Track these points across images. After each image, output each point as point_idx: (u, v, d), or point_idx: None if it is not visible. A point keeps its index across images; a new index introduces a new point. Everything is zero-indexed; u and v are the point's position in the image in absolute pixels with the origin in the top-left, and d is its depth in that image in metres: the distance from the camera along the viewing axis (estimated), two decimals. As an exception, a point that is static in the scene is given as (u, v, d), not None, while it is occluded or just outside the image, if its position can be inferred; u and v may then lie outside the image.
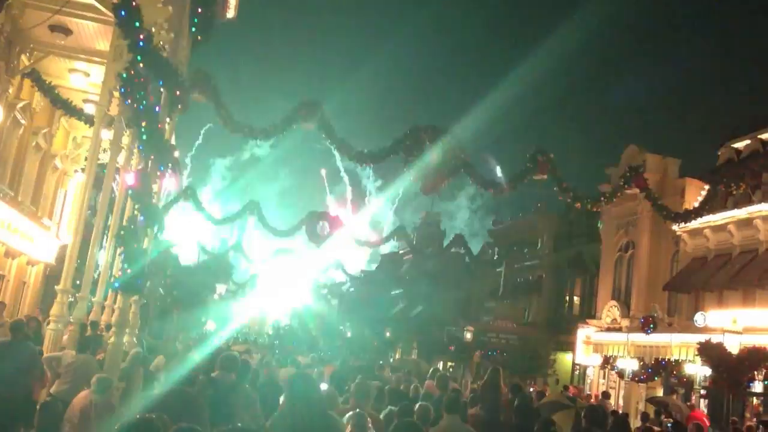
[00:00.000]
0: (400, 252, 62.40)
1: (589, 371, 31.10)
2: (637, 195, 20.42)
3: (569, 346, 31.81)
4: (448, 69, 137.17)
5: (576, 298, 35.32)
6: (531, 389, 20.54)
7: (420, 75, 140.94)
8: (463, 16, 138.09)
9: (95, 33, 14.34)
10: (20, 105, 16.19)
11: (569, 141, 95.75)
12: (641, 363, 24.65)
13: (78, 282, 14.44)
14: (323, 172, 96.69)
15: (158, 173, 9.97)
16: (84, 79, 16.71)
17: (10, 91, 15.48)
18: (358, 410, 5.61)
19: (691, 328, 22.10)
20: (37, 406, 8.73)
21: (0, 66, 14.42)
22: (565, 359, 32.85)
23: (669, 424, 15.11)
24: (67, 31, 14.12)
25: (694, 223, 23.55)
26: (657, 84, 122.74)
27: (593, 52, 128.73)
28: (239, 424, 6.17)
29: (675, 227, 25.39)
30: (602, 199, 17.63)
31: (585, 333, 29.83)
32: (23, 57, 15.64)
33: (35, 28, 12.64)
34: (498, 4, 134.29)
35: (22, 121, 16.91)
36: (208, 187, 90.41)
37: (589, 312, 32.39)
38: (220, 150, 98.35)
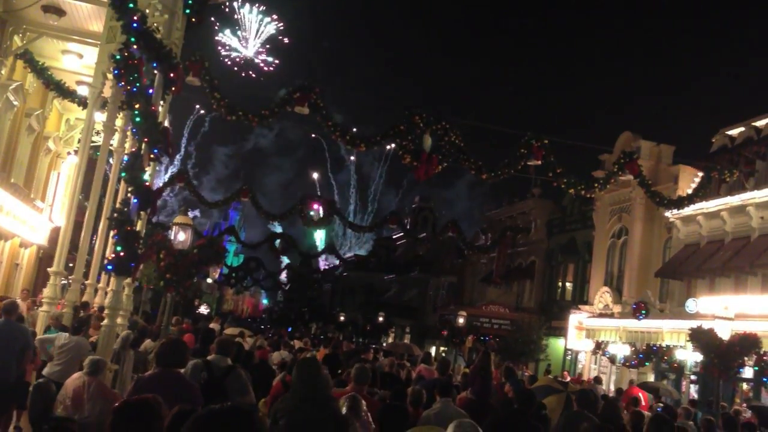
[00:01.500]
0: (394, 237, 62.51)
1: (580, 356, 31.31)
2: (630, 182, 20.48)
3: (561, 332, 31.99)
4: (445, 52, 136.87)
5: (569, 284, 35.47)
6: (524, 373, 20.68)
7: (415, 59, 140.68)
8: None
9: (89, 14, 14.24)
10: (13, 86, 16.07)
11: (565, 127, 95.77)
12: (633, 348, 24.82)
13: (71, 264, 14.44)
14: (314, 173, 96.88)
15: (151, 155, 9.93)
16: (77, 61, 16.59)
17: (3, 72, 15.37)
18: (352, 393, 5.65)
19: (682, 314, 22.22)
20: (30, 388, 8.74)
21: (-8, 46, 14.30)
22: (557, 344, 33.05)
23: (659, 408, 15.24)
24: (60, 12, 14.03)
25: (687, 210, 23.67)
26: (651, 70, 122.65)
27: (586, 38, 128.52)
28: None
29: (668, 214, 25.49)
30: (596, 185, 17.70)
31: (577, 318, 29.99)
32: (16, 38, 15.51)
33: (28, 8, 12.53)
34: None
35: (15, 103, 16.79)
36: (211, 175, 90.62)
37: (581, 298, 32.56)
38: (225, 138, 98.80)
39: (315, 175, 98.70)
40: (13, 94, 16.37)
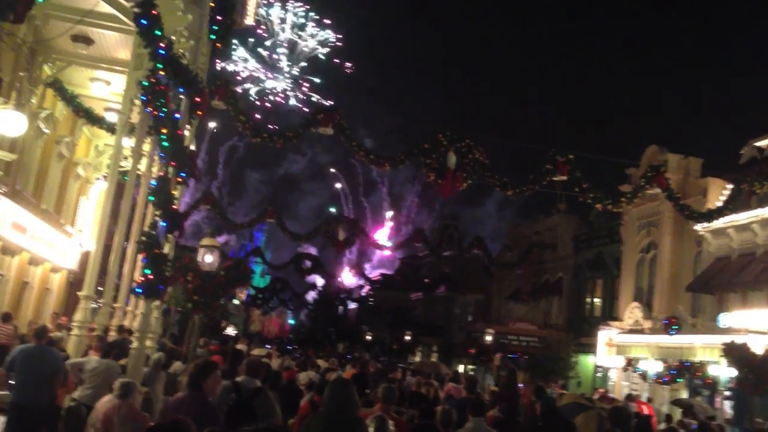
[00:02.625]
0: (420, 255, 62.34)
1: (611, 373, 30.84)
2: (658, 195, 20.27)
3: (591, 348, 31.56)
4: (467, 70, 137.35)
5: (597, 300, 35.04)
6: (553, 391, 20.43)
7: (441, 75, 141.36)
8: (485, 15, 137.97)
9: (116, 42, 14.52)
10: (43, 114, 16.41)
11: (589, 141, 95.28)
12: (665, 365, 24.41)
13: (100, 288, 14.61)
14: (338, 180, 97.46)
15: (179, 179, 10.06)
16: (105, 88, 16.92)
17: (34, 100, 15.70)
18: (380, 413, 5.63)
19: (715, 329, 21.84)
20: (62, 411, 8.83)
21: (23, 76, 14.63)
22: (587, 361, 32.61)
23: (693, 426, 14.96)
24: (88, 41, 14.32)
25: (717, 223, 23.30)
26: (678, 83, 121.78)
27: (612, 52, 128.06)
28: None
29: (698, 227, 25.13)
30: (623, 199, 17.55)
31: (607, 335, 29.58)
32: (46, 67, 15.87)
33: (58, 38, 12.81)
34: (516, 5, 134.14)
35: (46, 130, 17.13)
36: (243, 200, 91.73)
37: (610, 314, 32.14)
38: (259, 164, 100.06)
39: (338, 185, 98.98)
40: (44, 122, 16.71)
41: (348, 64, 70.11)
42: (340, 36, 69.68)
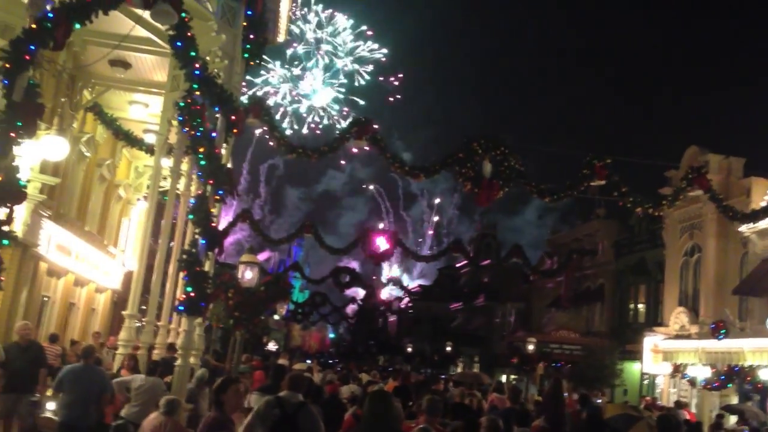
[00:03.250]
0: (457, 265, 62.07)
1: (658, 380, 30.20)
2: (700, 197, 19.84)
3: (636, 355, 30.98)
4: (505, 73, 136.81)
5: (641, 306, 34.41)
6: (599, 400, 20.09)
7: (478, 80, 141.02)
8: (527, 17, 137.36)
9: (153, 65, 14.83)
10: (84, 138, 16.79)
11: (628, 145, 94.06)
12: (713, 370, 23.84)
13: (144, 307, 14.83)
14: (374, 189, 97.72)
15: (217, 197, 10.18)
16: (143, 110, 17.27)
17: (75, 125, 16.07)
18: (424, 425, 5.59)
19: (764, 332, 21.28)
20: (110, 430, 8.95)
21: (64, 101, 15.00)
22: (632, 369, 32.00)
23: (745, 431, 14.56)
24: (126, 65, 14.65)
25: (763, 223, 22.69)
26: (713, 81, 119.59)
27: (650, 51, 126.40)
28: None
29: (742, 228, 24.54)
30: (664, 203, 17.23)
31: (652, 341, 29.01)
32: (85, 92, 16.26)
33: (96, 63, 13.13)
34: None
35: (87, 154, 17.52)
36: (283, 218, 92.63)
37: (655, 319, 31.52)
38: (299, 182, 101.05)
39: (371, 187, 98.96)
40: (85, 146, 17.10)
41: (393, 80, 70.03)
42: (385, 50, 69.78)
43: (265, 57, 16.63)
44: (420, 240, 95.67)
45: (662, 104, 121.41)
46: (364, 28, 70.34)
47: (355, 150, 15.03)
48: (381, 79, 68.91)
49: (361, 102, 70.22)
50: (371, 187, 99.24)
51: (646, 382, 31.20)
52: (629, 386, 31.26)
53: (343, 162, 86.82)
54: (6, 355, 10.98)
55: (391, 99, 70.46)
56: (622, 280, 35.77)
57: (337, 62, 68.99)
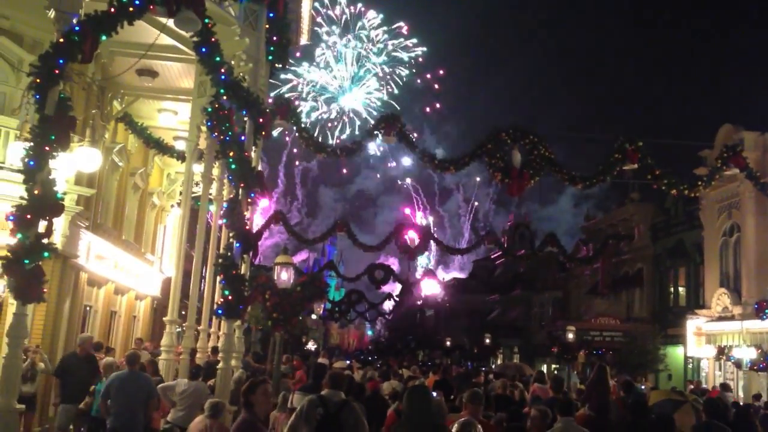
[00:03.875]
0: (492, 257, 61.75)
1: (703, 363, 29.72)
2: (737, 176, 19.43)
3: (679, 339, 30.52)
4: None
5: (681, 289, 33.86)
6: (642, 386, 19.83)
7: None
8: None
9: (180, 72, 14.97)
10: (116, 148, 17.04)
11: (659, 125, 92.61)
12: (759, 351, 23.38)
13: (183, 312, 15.01)
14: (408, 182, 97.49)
15: (249, 199, 10.24)
16: (173, 117, 17.46)
17: (106, 136, 16.32)
18: (467, 418, 5.56)
19: (810, 309, 20.76)
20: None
21: (95, 113, 15.23)
22: (676, 353, 31.52)
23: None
24: (153, 74, 14.82)
25: (803, 199, 22.20)
26: (748, 57, 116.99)
27: (678, 28, 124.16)
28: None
29: (782, 205, 24.01)
30: (699, 183, 16.91)
31: (695, 324, 28.55)
32: (115, 103, 16.49)
33: (124, 73, 13.31)
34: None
35: (120, 164, 17.78)
36: (319, 219, 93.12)
37: (696, 302, 31.01)
38: (333, 183, 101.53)
39: (407, 181, 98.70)
40: (118, 156, 17.35)
41: (431, 79, 69.50)
42: (423, 49, 69.43)
43: (290, 60, 16.70)
44: (457, 234, 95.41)
45: (693, 83, 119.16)
46: (400, 24, 69.81)
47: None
48: (419, 81, 68.28)
49: (397, 106, 69.96)
50: (407, 182, 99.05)
51: (690, 366, 30.72)
52: (673, 371, 30.80)
53: (393, 163, 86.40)
54: (65, 366, 11.22)
55: (428, 109, 70.11)
56: (660, 263, 35.25)
57: (369, 61, 68.89)
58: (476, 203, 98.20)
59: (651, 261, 35.94)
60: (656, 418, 7.76)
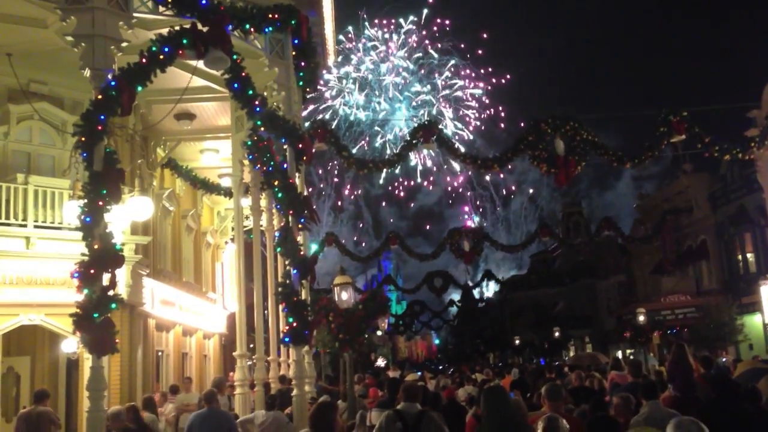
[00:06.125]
0: (549, 249, 60.85)
1: (784, 329, 28.72)
2: (791, 131, 18.77)
3: (755, 307, 29.49)
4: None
5: (750, 255, 32.83)
6: (724, 359, 19.22)
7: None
8: None
9: (216, 111, 15.26)
10: (165, 194, 17.42)
11: (703, 92, 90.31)
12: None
13: (251, 345, 15.17)
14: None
15: (299, 226, 10.31)
16: (215, 156, 17.78)
17: (155, 183, 16.70)
18: (549, 414, 5.45)
19: None
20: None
21: (141, 162, 15.60)
22: (753, 322, 30.50)
23: None
24: (191, 116, 15.14)
25: None
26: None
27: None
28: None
29: (843, 154, 23.06)
30: (752, 144, 16.45)
31: (769, 289, 27.62)
32: (159, 150, 16.87)
33: (163, 120, 13.61)
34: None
35: (171, 208, 18.15)
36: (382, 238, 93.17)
37: (767, 266, 30.02)
38: (393, 202, 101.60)
39: (461, 178, 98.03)
40: (168, 201, 17.72)
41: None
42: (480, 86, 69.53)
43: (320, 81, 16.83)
44: (522, 235, 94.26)
45: (733, 44, 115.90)
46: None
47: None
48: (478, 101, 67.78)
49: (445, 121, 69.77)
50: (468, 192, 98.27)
51: (771, 333, 29.70)
52: (754, 340, 29.83)
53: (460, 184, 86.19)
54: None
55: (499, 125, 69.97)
56: (724, 232, 34.27)
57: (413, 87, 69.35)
58: (538, 199, 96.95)
59: (713, 231, 34.96)
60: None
